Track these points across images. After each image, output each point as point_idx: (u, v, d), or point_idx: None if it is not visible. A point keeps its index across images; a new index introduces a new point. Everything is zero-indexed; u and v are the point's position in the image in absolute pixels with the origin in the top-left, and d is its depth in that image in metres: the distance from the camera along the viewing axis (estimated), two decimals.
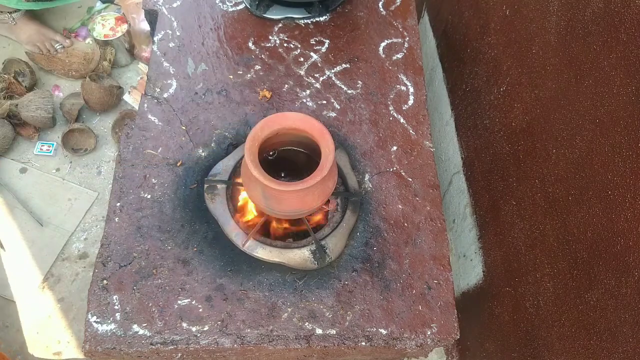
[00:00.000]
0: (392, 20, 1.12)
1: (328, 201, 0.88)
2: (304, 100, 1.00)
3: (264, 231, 0.90)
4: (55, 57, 1.61)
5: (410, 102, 1.01)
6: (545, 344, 0.79)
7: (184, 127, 0.94)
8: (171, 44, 1.05)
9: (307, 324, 0.78)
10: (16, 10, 1.55)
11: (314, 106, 0.99)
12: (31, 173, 1.46)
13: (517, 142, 0.89)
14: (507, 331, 0.92)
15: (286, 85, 1.02)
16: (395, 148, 0.95)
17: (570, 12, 0.72)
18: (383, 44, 1.09)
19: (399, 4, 1.15)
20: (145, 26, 1.58)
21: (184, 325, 0.76)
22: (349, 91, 1.02)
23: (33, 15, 1.64)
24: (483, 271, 1.03)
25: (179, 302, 0.78)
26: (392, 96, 1.02)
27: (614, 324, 0.62)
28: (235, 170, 0.88)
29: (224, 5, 1.12)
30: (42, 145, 1.49)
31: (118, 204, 0.85)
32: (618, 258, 0.62)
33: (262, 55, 1.05)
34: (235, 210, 0.86)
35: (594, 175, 0.67)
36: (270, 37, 1.08)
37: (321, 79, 1.03)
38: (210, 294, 0.79)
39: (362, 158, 0.94)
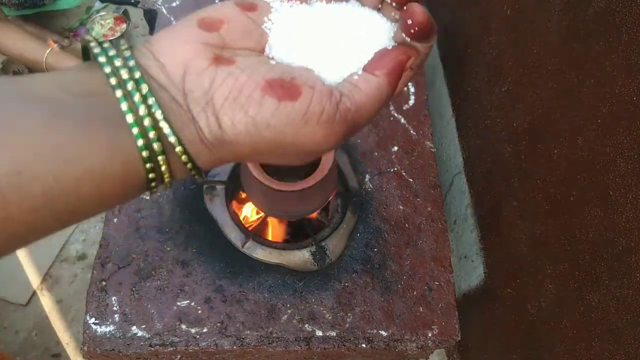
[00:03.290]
0: None
1: (328, 202, 0.87)
2: None
3: (264, 232, 0.90)
4: None
5: (411, 102, 1.01)
6: (546, 345, 0.78)
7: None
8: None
9: (307, 325, 0.77)
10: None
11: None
12: None
13: (519, 142, 0.88)
14: (508, 333, 0.91)
15: None
16: (395, 148, 0.95)
17: (571, 12, 0.72)
18: None
19: None
20: None
21: (183, 326, 0.76)
22: None
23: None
24: (484, 272, 1.02)
25: (178, 303, 0.77)
26: None
27: (616, 326, 0.62)
28: (235, 171, 0.87)
29: None
30: None
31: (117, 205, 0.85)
32: (620, 259, 0.61)
33: None
34: (235, 211, 0.85)
35: (595, 176, 0.66)
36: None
37: None
38: (210, 296, 0.78)
39: (363, 158, 0.93)
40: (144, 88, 0.21)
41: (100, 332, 0.74)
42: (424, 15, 0.26)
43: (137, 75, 0.22)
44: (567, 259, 0.72)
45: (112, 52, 0.22)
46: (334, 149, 0.24)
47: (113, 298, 0.77)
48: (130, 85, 0.21)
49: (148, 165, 0.22)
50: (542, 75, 0.80)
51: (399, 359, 0.85)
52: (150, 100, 0.21)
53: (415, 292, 0.81)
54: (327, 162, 0.71)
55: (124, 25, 1.61)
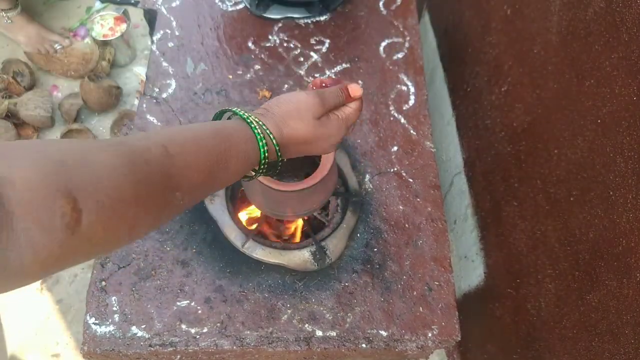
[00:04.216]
0: (392, 19, 1.12)
1: (328, 202, 0.87)
2: None
3: (264, 232, 0.90)
4: (54, 57, 1.60)
5: (411, 102, 1.01)
6: (546, 345, 0.78)
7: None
8: (170, 44, 1.05)
9: (307, 325, 0.77)
10: (10, 9, 1.54)
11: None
12: None
13: (519, 142, 0.88)
14: (508, 333, 0.91)
15: (286, 85, 1.01)
16: (395, 148, 0.95)
17: (571, 12, 0.72)
18: (383, 44, 1.08)
19: (399, 3, 1.14)
20: None
21: (183, 326, 0.76)
22: None
23: (31, 16, 1.63)
24: (484, 272, 1.02)
25: (178, 303, 0.77)
26: (392, 96, 1.01)
27: (616, 325, 0.62)
28: None
29: (224, 5, 1.12)
30: None
31: None
32: (620, 259, 0.61)
33: (262, 55, 1.05)
34: (235, 211, 0.85)
35: (595, 175, 0.66)
36: (270, 37, 1.08)
37: None
38: (210, 296, 0.78)
39: (363, 158, 0.93)
40: (252, 116, 0.50)
41: (100, 332, 0.74)
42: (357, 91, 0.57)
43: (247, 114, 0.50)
44: (567, 259, 0.72)
45: (236, 109, 0.51)
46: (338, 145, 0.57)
47: (113, 298, 0.77)
48: (249, 117, 0.49)
49: (262, 149, 0.48)
50: (542, 75, 0.80)
51: (399, 359, 0.85)
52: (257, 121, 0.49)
53: (415, 292, 0.81)
54: (327, 162, 0.71)
55: (124, 25, 1.61)
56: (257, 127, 0.48)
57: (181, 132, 0.43)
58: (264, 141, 0.48)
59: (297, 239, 0.90)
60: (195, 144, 0.42)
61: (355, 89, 0.56)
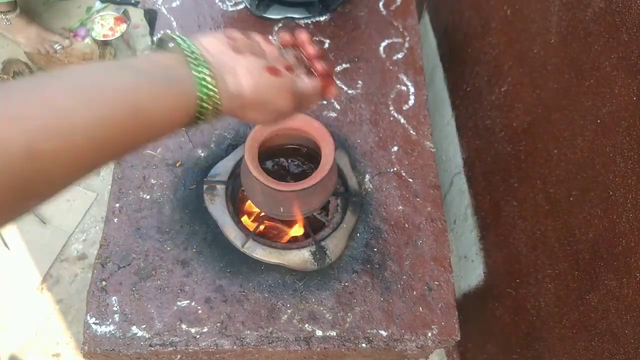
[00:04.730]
0: (392, 20, 1.12)
1: (328, 202, 0.87)
2: None
3: (264, 232, 0.90)
4: (54, 57, 1.60)
5: (411, 102, 1.01)
6: (546, 345, 0.78)
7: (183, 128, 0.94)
8: (170, 44, 1.04)
9: (307, 325, 0.77)
10: (9, 12, 1.54)
11: (314, 106, 0.99)
12: None
13: (519, 142, 0.88)
14: (508, 332, 0.91)
15: None
16: (395, 148, 0.95)
17: (571, 12, 0.72)
18: (383, 44, 1.08)
19: (399, 3, 1.14)
20: None
21: (183, 326, 0.76)
22: (349, 91, 1.01)
23: (30, 18, 1.63)
24: (484, 272, 1.02)
25: (178, 303, 0.77)
26: (392, 96, 1.01)
27: (616, 325, 0.62)
28: (235, 171, 0.87)
29: (224, 5, 1.12)
30: None
31: (117, 205, 0.85)
32: (619, 259, 0.61)
33: None
34: (235, 211, 0.86)
35: (595, 175, 0.66)
36: (270, 37, 1.08)
37: None
38: (210, 295, 0.78)
39: (363, 158, 0.93)
40: (199, 58, 0.41)
41: (101, 332, 0.75)
42: (322, 68, 0.51)
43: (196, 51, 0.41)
44: (567, 259, 0.72)
45: (180, 40, 0.42)
46: (292, 112, 0.48)
47: (113, 298, 0.77)
48: (192, 57, 0.41)
49: (201, 103, 0.40)
50: (541, 75, 0.80)
51: (399, 358, 0.85)
52: (202, 66, 0.40)
53: (415, 292, 0.81)
54: (327, 162, 0.71)
55: (124, 26, 1.61)
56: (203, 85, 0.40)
57: (71, 112, 0.31)
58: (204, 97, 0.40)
59: (299, 235, 0.90)
60: (82, 136, 0.31)
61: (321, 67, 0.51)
